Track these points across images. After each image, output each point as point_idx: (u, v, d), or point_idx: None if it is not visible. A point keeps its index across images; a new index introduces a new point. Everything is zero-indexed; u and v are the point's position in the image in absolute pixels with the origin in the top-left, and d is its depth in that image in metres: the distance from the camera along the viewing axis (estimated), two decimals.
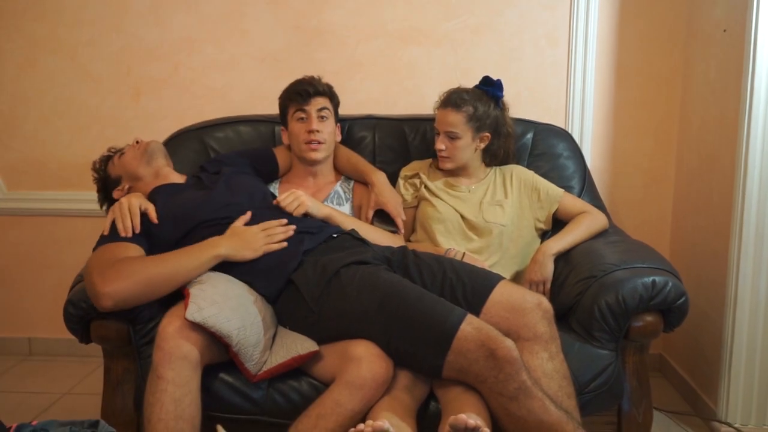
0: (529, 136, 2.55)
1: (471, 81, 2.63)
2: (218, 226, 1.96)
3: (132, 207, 1.95)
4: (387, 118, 2.61)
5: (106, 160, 2.29)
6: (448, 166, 2.31)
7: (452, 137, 2.27)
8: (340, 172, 2.44)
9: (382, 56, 2.81)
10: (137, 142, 2.23)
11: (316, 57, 2.81)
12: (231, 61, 2.84)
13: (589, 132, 2.78)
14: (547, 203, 2.31)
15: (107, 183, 2.26)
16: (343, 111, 2.47)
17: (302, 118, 2.30)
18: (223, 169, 2.21)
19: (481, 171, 2.39)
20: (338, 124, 2.42)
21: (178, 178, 2.21)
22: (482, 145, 2.33)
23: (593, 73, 2.75)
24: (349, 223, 2.16)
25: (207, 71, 2.85)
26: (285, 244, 1.90)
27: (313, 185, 2.36)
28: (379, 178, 2.32)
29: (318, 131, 2.28)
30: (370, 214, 2.28)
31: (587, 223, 2.25)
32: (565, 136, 2.58)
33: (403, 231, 2.27)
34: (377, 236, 2.15)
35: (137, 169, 2.18)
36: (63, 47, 2.87)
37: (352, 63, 2.81)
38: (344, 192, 2.37)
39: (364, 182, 2.37)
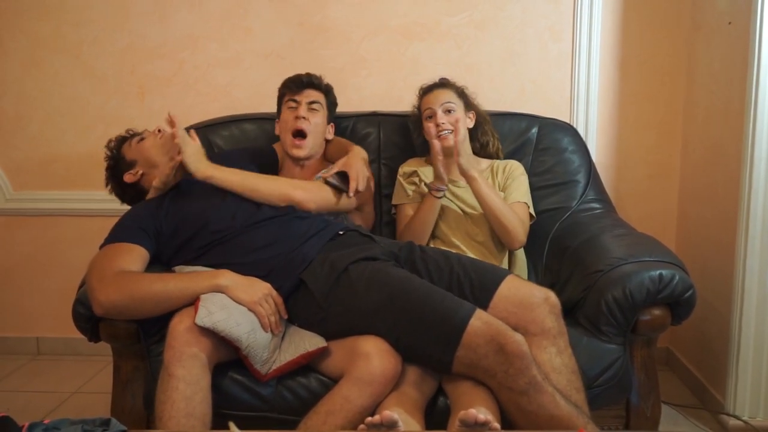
0: (534, 130, 2.55)
1: (475, 76, 2.64)
2: (228, 230, 1.96)
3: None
4: (391, 114, 2.61)
5: (122, 140, 2.25)
6: (451, 142, 2.23)
7: (450, 110, 2.31)
8: (329, 160, 2.42)
9: (386, 52, 2.81)
10: (159, 131, 2.18)
11: (320, 54, 2.81)
12: (235, 58, 2.84)
13: (593, 126, 2.78)
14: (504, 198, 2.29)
15: (119, 164, 2.22)
16: (347, 108, 2.47)
17: (292, 107, 2.31)
18: (230, 166, 2.19)
19: (475, 162, 2.38)
20: (332, 124, 2.41)
21: None
22: (471, 124, 2.38)
23: (597, 67, 2.75)
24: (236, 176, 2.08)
25: (211, 69, 2.85)
26: (273, 320, 1.80)
27: (300, 176, 2.35)
28: (357, 149, 2.31)
29: (304, 118, 2.28)
30: (331, 172, 2.20)
31: (511, 212, 2.20)
32: (569, 130, 2.58)
33: (352, 195, 2.17)
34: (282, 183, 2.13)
35: (156, 157, 2.14)
36: (67, 46, 2.87)
37: (356, 59, 2.81)
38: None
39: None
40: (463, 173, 2.17)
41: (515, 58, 2.78)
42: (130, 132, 2.29)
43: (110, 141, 2.27)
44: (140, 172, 2.18)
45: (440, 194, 2.22)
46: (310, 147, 2.31)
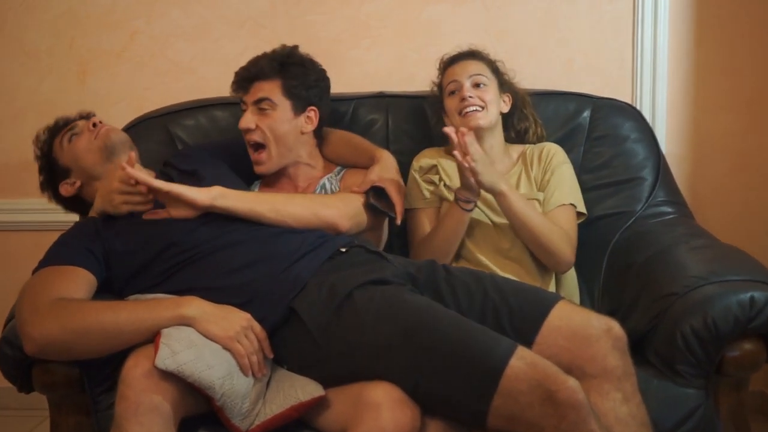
0: (586, 114, 2.56)
1: (507, 46, 2.63)
2: (199, 247, 1.96)
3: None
4: (402, 95, 2.62)
5: (52, 135, 2.23)
6: (482, 122, 2.27)
7: (479, 84, 2.32)
8: (335, 162, 2.43)
9: (395, 17, 2.82)
10: (94, 125, 2.18)
11: (309, 20, 2.81)
12: (202, 27, 2.85)
13: (662, 107, 2.78)
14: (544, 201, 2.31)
15: (53, 167, 2.21)
16: (345, 87, 2.47)
17: (244, 110, 2.30)
18: (200, 171, 2.19)
19: (505, 156, 2.40)
20: (312, 109, 2.32)
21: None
22: (506, 109, 2.39)
23: (666, 32, 2.75)
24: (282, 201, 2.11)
25: (172, 41, 2.86)
26: (254, 361, 1.79)
27: (292, 187, 2.36)
28: (385, 154, 2.32)
29: (250, 129, 2.26)
30: (364, 188, 2.21)
31: (553, 228, 2.22)
32: (631, 113, 2.59)
33: (399, 220, 2.22)
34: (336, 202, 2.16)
35: (93, 167, 2.16)
36: None
37: (357, 26, 2.82)
38: (331, 185, 2.36)
39: (362, 167, 2.34)
40: (489, 191, 2.17)
41: (560, 23, 2.79)
42: (61, 121, 2.26)
43: (38, 136, 2.26)
44: (78, 183, 2.19)
45: (470, 206, 2.21)
46: (274, 158, 2.30)
